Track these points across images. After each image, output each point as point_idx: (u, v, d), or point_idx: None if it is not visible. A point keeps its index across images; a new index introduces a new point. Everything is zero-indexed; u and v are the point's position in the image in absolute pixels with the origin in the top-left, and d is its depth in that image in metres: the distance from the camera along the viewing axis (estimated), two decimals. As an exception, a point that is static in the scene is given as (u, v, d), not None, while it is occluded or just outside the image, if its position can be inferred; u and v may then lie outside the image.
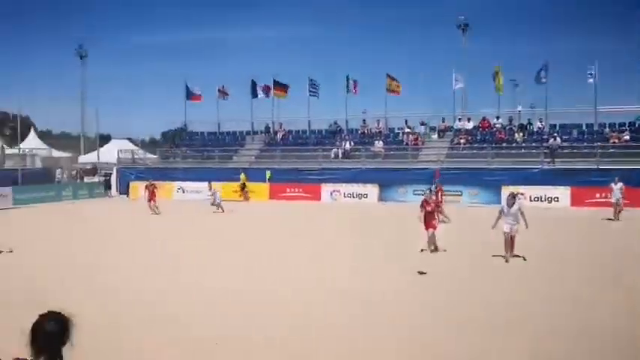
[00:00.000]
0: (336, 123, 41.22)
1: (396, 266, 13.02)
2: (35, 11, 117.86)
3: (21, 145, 38.30)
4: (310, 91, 40.85)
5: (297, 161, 36.47)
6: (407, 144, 36.91)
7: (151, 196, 26.22)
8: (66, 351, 3.15)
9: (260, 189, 34.62)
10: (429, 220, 14.95)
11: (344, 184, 33.60)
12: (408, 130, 37.91)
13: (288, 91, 42.50)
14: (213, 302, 9.80)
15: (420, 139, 36.94)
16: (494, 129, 36.42)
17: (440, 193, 22.31)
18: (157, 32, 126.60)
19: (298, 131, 42.19)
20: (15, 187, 31.56)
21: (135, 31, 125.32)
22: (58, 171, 38.50)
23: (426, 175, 30.88)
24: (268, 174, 34.99)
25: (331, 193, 33.50)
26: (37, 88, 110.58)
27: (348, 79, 40.02)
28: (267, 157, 38.75)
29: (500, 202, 20.31)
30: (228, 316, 8.96)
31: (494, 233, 14.03)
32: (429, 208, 15.04)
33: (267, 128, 42.64)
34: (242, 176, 34.65)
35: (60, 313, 3.28)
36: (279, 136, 41.30)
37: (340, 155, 36.90)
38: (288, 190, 34.19)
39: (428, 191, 17.86)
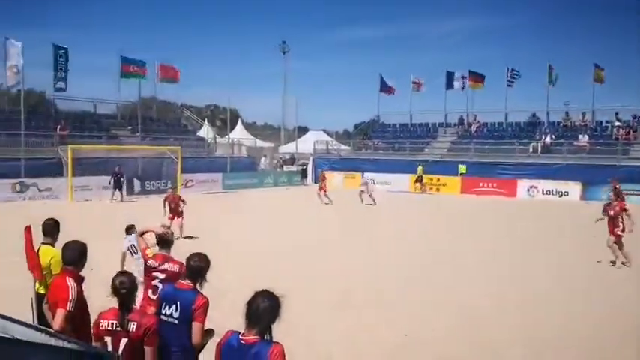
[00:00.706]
0: (534, 115, 39.00)
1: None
2: (243, 13, 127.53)
3: (230, 135, 41.73)
4: (509, 81, 39.02)
5: (492, 155, 35.08)
6: (616, 138, 33.63)
7: (322, 186, 26.96)
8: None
9: (452, 182, 33.95)
10: (609, 226, 13.10)
11: (542, 181, 31.59)
12: (619, 123, 34.51)
13: (484, 82, 41.05)
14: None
15: (632, 133, 33.47)
16: None
17: (615, 192, 19.09)
18: (354, 28, 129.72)
19: (494, 124, 40.61)
20: (224, 173, 34.63)
21: (333, 27, 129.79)
22: (263, 159, 41.43)
23: (636, 174, 27.92)
24: (462, 168, 34.11)
25: (528, 190, 31.72)
26: (244, 82, 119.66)
27: (550, 69, 37.51)
28: (459, 150, 37.85)
29: None
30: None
31: None
32: (611, 213, 13.07)
33: (461, 120, 41.65)
34: (419, 169, 34.47)
35: (272, 292, 3.51)
36: (473, 128, 40.11)
37: (539, 150, 34.85)
38: (481, 184, 33.05)
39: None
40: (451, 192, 33.05)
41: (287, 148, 49.20)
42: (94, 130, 33.78)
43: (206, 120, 47.90)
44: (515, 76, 39.24)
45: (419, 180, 34.20)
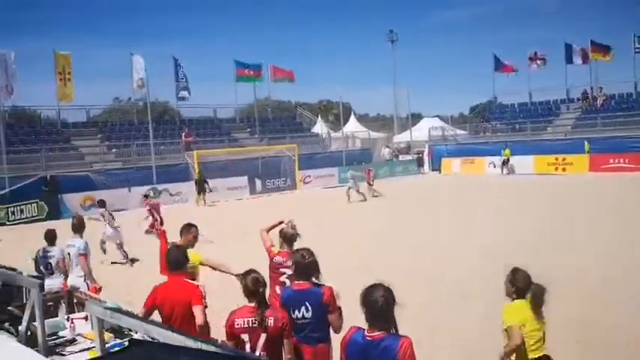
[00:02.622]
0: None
1: None
2: (348, 6, 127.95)
3: (343, 129, 42.14)
4: (636, 48, 36.20)
5: (622, 128, 32.71)
6: None
7: (369, 181, 26.01)
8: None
9: (578, 160, 32.04)
10: None
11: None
12: None
13: (611, 54, 38.31)
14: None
15: None
16: None
17: None
18: (460, 6, 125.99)
19: (622, 94, 37.86)
20: (340, 167, 35.02)
21: (439, 7, 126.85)
22: (387, 150, 41.56)
23: None
24: (587, 146, 32.09)
25: (666, 162, 29.27)
26: (354, 75, 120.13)
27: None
28: (585, 125, 35.68)
29: None
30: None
31: None
32: None
33: (585, 95, 39.17)
34: (507, 151, 33.87)
35: (384, 284, 3.51)
36: (599, 102, 37.57)
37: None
38: (611, 160, 30.92)
39: None
40: (578, 171, 31.15)
41: (401, 138, 48.83)
42: (216, 135, 35.47)
43: (319, 116, 48.64)
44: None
45: (505, 162, 33.88)
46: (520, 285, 4.52)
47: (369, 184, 25.99)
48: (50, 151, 27.48)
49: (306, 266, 4.61)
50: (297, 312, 4.50)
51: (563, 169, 32.24)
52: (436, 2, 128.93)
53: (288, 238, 5.92)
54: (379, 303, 3.39)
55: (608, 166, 30.62)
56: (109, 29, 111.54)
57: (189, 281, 4.88)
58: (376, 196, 25.11)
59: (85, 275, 7.55)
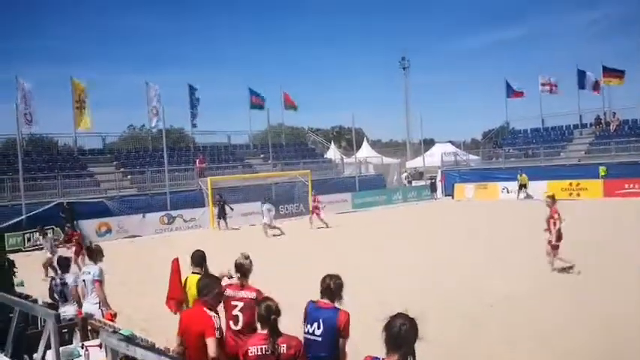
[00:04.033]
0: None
1: None
2: (360, 33, 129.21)
3: (356, 155, 42.36)
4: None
5: (636, 154, 32.57)
6: None
7: (314, 210, 24.88)
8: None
9: (592, 186, 31.89)
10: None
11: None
12: None
13: (624, 77, 38.33)
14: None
15: None
16: None
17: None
18: (470, 35, 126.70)
19: (635, 120, 37.74)
20: (353, 192, 35.11)
21: (451, 37, 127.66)
22: (405, 175, 41.76)
23: None
24: (602, 170, 31.94)
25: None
26: (367, 101, 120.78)
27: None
28: (598, 151, 35.53)
29: None
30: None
31: None
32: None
33: (598, 120, 39.13)
34: (523, 177, 34.26)
35: (408, 314, 3.54)
36: (613, 127, 37.48)
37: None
38: (626, 186, 30.73)
39: None
40: (593, 196, 31.00)
41: (414, 163, 48.88)
42: (230, 161, 35.79)
43: (332, 142, 48.89)
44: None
45: (522, 186, 33.98)
46: None
47: (316, 213, 24.83)
48: (66, 178, 27.85)
49: (331, 288, 4.77)
50: (309, 326, 4.68)
51: (578, 195, 32.05)
52: (448, 30, 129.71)
53: (240, 269, 5.69)
54: (396, 328, 3.42)
55: (623, 191, 30.43)
56: (125, 56, 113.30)
57: (207, 311, 4.86)
58: (321, 228, 24.08)
59: (100, 302, 7.63)
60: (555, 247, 12.48)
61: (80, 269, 9.24)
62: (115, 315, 7.52)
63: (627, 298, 9.83)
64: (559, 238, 12.44)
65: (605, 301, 9.78)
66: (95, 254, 8.05)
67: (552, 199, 12.91)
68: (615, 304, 9.59)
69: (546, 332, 8.40)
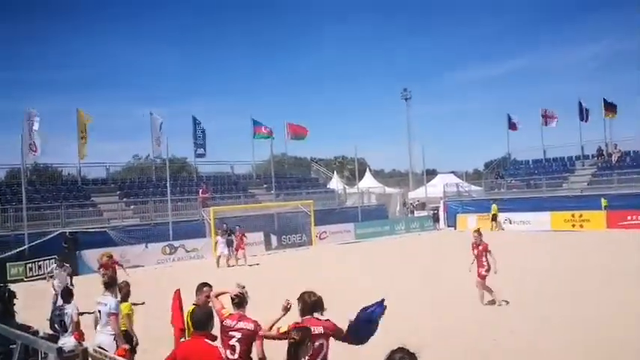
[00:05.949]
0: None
1: None
2: (363, 65, 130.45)
3: (359, 185, 42.42)
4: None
5: (638, 185, 32.62)
6: None
7: (238, 246, 24.04)
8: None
9: (595, 217, 31.87)
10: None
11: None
12: None
13: (617, 111, 38.84)
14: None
15: None
16: None
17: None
18: (475, 68, 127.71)
19: (637, 151, 37.87)
20: (356, 223, 35.10)
21: (453, 69, 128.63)
22: (410, 206, 42.03)
23: None
24: (604, 202, 31.92)
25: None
26: (369, 132, 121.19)
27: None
28: (600, 182, 35.64)
29: None
30: None
31: None
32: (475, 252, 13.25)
33: (600, 151, 39.31)
34: (494, 207, 35.31)
35: (407, 348, 3.55)
36: (614, 158, 37.62)
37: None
38: (629, 217, 30.69)
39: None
40: (595, 228, 30.95)
41: (416, 193, 48.93)
42: (233, 191, 35.84)
43: (335, 172, 49.01)
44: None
45: (494, 218, 34.91)
46: None
47: (241, 249, 24.14)
48: (70, 208, 27.90)
49: (311, 304, 5.29)
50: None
51: (581, 226, 32.02)
52: (449, 63, 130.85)
53: (238, 301, 5.82)
54: None
55: (626, 223, 30.37)
56: (129, 87, 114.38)
57: (210, 342, 4.87)
58: (250, 265, 23.57)
59: (115, 335, 7.50)
60: (484, 277, 12.87)
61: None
62: (127, 350, 7.45)
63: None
64: (489, 269, 12.83)
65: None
66: (115, 287, 7.98)
67: (479, 234, 13.39)
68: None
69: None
